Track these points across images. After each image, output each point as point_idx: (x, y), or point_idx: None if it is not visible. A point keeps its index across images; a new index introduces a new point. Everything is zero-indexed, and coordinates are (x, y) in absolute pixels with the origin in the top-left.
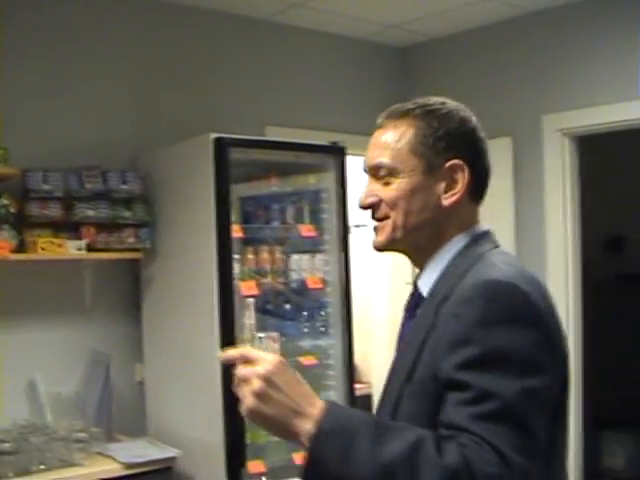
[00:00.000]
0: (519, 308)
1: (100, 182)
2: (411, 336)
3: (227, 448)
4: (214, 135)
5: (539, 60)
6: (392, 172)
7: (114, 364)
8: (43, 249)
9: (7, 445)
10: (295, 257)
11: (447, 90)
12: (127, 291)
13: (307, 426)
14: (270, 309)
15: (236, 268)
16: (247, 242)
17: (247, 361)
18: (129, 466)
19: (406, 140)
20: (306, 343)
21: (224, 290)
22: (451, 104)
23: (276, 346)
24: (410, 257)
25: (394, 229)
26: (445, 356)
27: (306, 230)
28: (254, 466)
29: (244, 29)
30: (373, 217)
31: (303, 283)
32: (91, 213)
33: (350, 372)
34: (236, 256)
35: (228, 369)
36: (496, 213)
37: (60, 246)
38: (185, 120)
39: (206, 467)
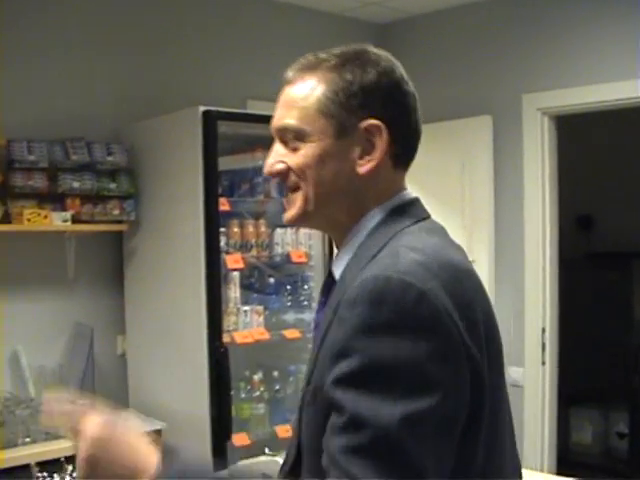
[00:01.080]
0: (410, 312)
1: (85, 153)
2: (318, 331)
3: (212, 421)
4: (203, 108)
5: (520, 39)
6: (299, 135)
7: (96, 337)
8: (29, 220)
9: None
10: (279, 231)
11: (427, 68)
12: (110, 263)
13: None
14: (254, 283)
15: (222, 241)
16: (232, 215)
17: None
18: None
19: (315, 97)
20: (289, 317)
21: (211, 263)
22: (372, 53)
23: (260, 319)
24: (329, 234)
25: (305, 202)
26: (328, 368)
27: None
28: (239, 439)
29: (227, 2)
30: (283, 187)
31: (287, 257)
32: (76, 184)
33: None
34: (222, 229)
35: (214, 343)
36: (475, 190)
37: (46, 217)
38: (167, 93)
39: (191, 439)
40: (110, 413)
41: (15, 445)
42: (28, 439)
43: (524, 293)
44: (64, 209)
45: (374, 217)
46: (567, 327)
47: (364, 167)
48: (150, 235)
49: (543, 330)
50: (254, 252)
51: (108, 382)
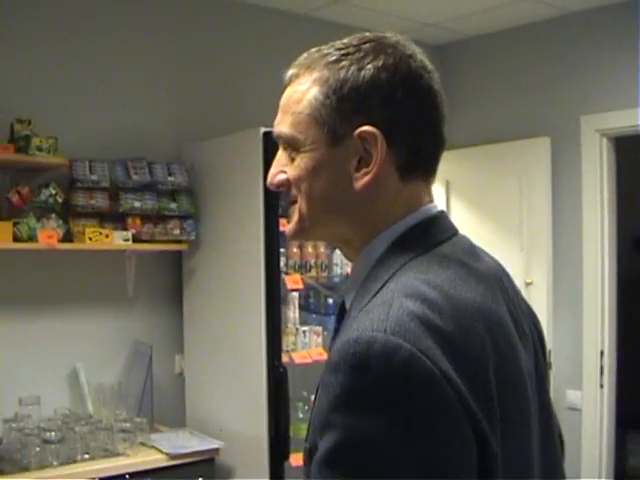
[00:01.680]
0: (396, 381)
1: (146, 173)
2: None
3: (270, 441)
4: (264, 129)
5: (577, 61)
6: (293, 144)
7: (154, 355)
8: (91, 239)
9: (52, 434)
10: (338, 252)
11: (484, 89)
12: (170, 282)
13: None
14: (312, 303)
15: (281, 262)
16: None
17: None
18: (173, 457)
19: (307, 101)
20: None
21: (270, 283)
22: (377, 42)
23: (319, 340)
24: (340, 251)
25: (301, 217)
26: (318, 436)
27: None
28: (296, 459)
29: (285, 23)
30: (285, 200)
31: (345, 277)
32: (137, 204)
33: None
34: (281, 250)
35: (273, 363)
36: (533, 212)
37: (107, 236)
38: (228, 113)
39: (248, 459)
40: None
41: (74, 461)
42: (87, 455)
43: (582, 315)
44: (125, 228)
45: (383, 240)
46: (625, 350)
47: (360, 181)
48: (210, 255)
49: (602, 353)
50: (313, 273)
51: (166, 400)
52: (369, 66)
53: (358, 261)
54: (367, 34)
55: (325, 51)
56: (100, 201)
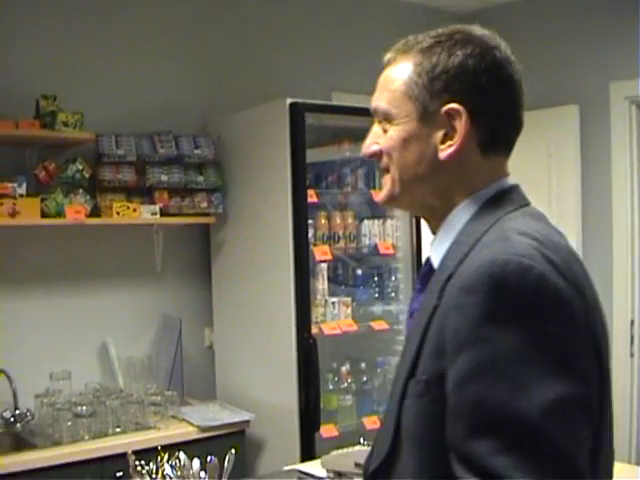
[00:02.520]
0: (533, 295)
1: (173, 147)
2: (417, 318)
3: (300, 412)
4: (290, 100)
5: (606, 27)
6: (387, 117)
7: (184, 329)
8: (118, 214)
9: (83, 408)
10: (366, 222)
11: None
12: (198, 256)
13: None
14: (341, 274)
15: (309, 233)
16: (319, 207)
17: None
18: (204, 429)
19: (402, 80)
20: (377, 308)
21: (299, 255)
22: (466, 33)
23: (348, 311)
24: (424, 218)
25: (392, 184)
26: (451, 359)
27: (378, 195)
28: (326, 430)
29: None
30: (378, 168)
31: (374, 248)
32: (164, 178)
33: None
34: (309, 221)
35: (303, 334)
36: (562, 180)
37: (135, 211)
38: (253, 85)
39: (279, 431)
40: None
41: (106, 435)
42: (118, 429)
43: (612, 285)
44: (152, 202)
45: (471, 206)
46: None
47: (445, 152)
48: (237, 227)
49: (632, 322)
50: (341, 244)
51: (196, 374)
52: (459, 53)
53: (445, 224)
54: (457, 26)
55: (420, 38)
56: (127, 175)
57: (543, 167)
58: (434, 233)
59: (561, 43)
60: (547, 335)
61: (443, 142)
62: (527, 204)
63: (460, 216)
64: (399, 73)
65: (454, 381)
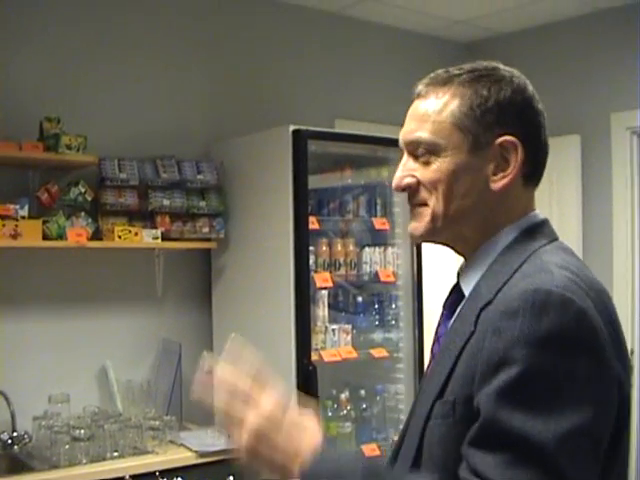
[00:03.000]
0: (572, 328)
1: (175, 171)
2: (447, 342)
3: None
4: (293, 127)
5: (608, 57)
6: (432, 149)
7: (183, 353)
8: (120, 237)
9: (81, 431)
10: (367, 250)
11: None
12: (199, 280)
13: (296, 470)
14: (341, 301)
15: (310, 260)
16: (320, 234)
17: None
18: (202, 454)
19: (450, 111)
20: (377, 336)
21: (300, 281)
22: (504, 70)
23: (348, 338)
24: (453, 249)
25: (434, 217)
26: (482, 379)
27: (379, 223)
28: None
29: (316, 21)
30: (410, 201)
31: (375, 276)
32: (166, 202)
33: (420, 365)
34: (310, 248)
35: (303, 361)
36: (564, 210)
37: (136, 234)
38: (256, 111)
39: None
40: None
41: (104, 459)
42: (116, 453)
43: None
44: (154, 226)
45: (508, 234)
46: None
47: (498, 183)
48: (239, 253)
49: (631, 352)
50: (342, 271)
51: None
52: (507, 87)
53: (479, 252)
54: (486, 62)
55: (455, 72)
56: (129, 199)
57: (544, 196)
58: (465, 261)
59: (563, 74)
60: (578, 368)
61: (495, 174)
62: (557, 238)
63: (496, 246)
64: (443, 105)
65: (484, 397)
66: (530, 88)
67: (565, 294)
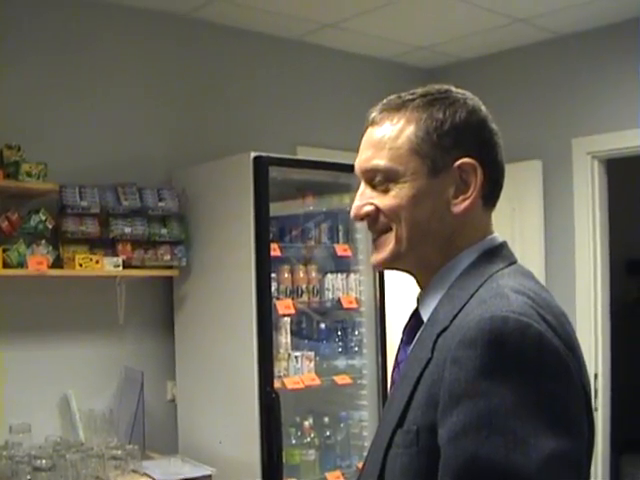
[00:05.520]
0: (531, 354)
1: (137, 199)
2: (406, 369)
3: (263, 467)
4: (254, 154)
5: (569, 83)
6: (390, 176)
7: (146, 382)
8: (81, 265)
9: (43, 461)
10: (330, 276)
11: None
12: (161, 308)
13: None
14: (304, 328)
15: (272, 287)
16: (283, 261)
17: None
18: None
19: (406, 137)
20: (340, 363)
21: (262, 309)
22: (456, 92)
23: (311, 365)
24: (414, 276)
25: (397, 243)
26: (445, 410)
27: (342, 249)
28: None
29: (278, 49)
30: (371, 229)
31: (338, 302)
32: (127, 230)
33: (384, 392)
34: (273, 275)
35: (265, 389)
36: (526, 235)
37: (97, 262)
38: (218, 139)
39: None
40: None
41: None
42: None
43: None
44: (115, 254)
45: (466, 258)
46: (619, 373)
47: (460, 206)
48: (201, 280)
49: (595, 376)
50: (305, 298)
51: (158, 427)
52: (462, 110)
53: (437, 277)
54: (438, 85)
55: (408, 97)
56: (90, 227)
57: (507, 220)
58: (422, 287)
59: (523, 99)
60: (544, 392)
61: (455, 197)
62: (515, 261)
63: (454, 269)
64: (400, 130)
65: (449, 433)
66: (484, 108)
67: (522, 319)
